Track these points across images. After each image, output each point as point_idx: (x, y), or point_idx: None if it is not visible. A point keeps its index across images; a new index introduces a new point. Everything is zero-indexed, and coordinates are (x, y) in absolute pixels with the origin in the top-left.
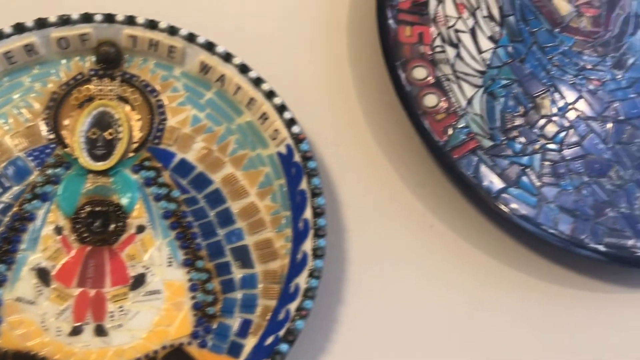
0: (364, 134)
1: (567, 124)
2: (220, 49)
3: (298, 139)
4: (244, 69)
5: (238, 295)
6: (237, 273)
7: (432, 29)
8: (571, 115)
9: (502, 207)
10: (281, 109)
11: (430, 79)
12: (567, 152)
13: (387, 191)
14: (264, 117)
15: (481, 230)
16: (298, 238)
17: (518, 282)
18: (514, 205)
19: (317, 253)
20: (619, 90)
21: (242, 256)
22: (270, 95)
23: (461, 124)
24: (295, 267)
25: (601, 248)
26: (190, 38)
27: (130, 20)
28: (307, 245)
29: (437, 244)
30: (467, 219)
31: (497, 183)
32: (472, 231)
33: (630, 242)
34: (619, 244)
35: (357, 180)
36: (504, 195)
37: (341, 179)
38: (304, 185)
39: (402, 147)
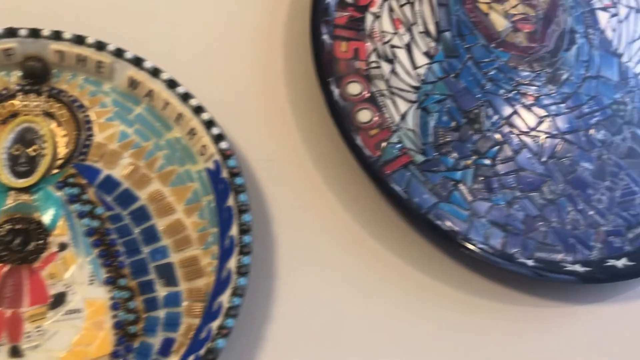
0: (298, 149)
1: (500, 139)
2: (148, 64)
3: (226, 154)
4: (172, 84)
5: (161, 313)
6: (161, 291)
7: (368, 45)
8: (505, 130)
9: (433, 222)
10: (209, 124)
11: (365, 95)
12: (500, 167)
13: (319, 207)
14: (192, 132)
15: (413, 245)
16: (224, 255)
17: (449, 297)
18: (444, 220)
19: (241, 271)
20: (553, 105)
21: (167, 274)
22: (198, 110)
23: (394, 140)
24: (220, 284)
25: (530, 263)
26: (118, 53)
27: (57, 35)
28: (232, 263)
29: (369, 260)
30: (399, 234)
31: (428, 198)
32: (404, 246)
33: (559, 257)
34: (548, 259)
35: (289, 195)
36: (435, 210)
37: (273, 195)
38: (231, 201)
39: (336, 162)
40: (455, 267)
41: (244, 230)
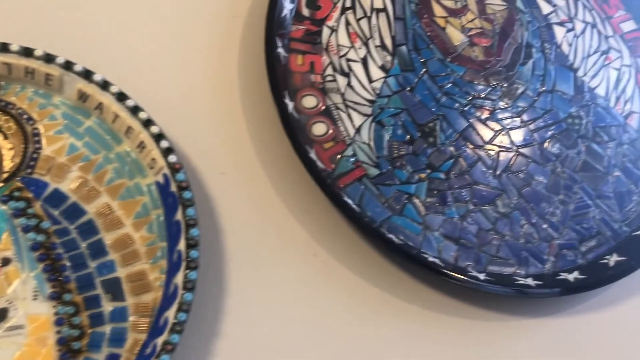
0: (252, 162)
1: (455, 152)
2: (97, 77)
3: (174, 168)
4: (121, 97)
5: (107, 329)
6: (107, 306)
7: (324, 58)
8: (459, 143)
9: (385, 235)
10: (158, 137)
11: (320, 108)
12: (454, 181)
13: (272, 220)
14: (141, 145)
15: (366, 258)
16: (172, 270)
17: (402, 310)
18: (397, 234)
19: (188, 286)
20: (508, 119)
21: (114, 289)
22: (147, 123)
23: (349, 153)
24: (167, 299)
25: (482, 276)
26: (67, 66)
27: (4, 47)
28: (179, 278)
29: (320, 273)
30: (352, 247)
31: (381, 211)
32: (357, 259)
33: (511, 270)
34: (501, 272)
35: (242, 208)
36: (388, 223)
37: (226, 208)
38: (179, 215)
39: (290, 175)
40: (407, 280)
41: (191, 244)
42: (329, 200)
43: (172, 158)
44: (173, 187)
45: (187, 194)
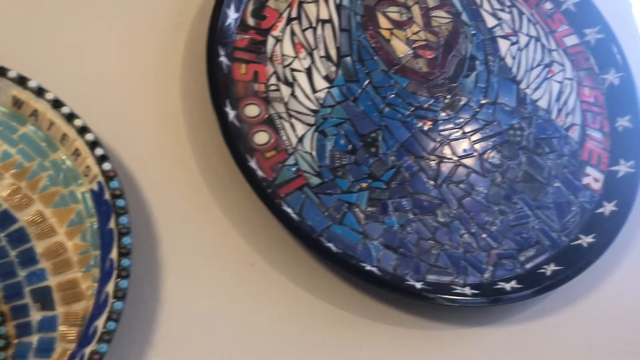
0: (192, 170)
1: (396, 162)
2: (32, 83)
3: (109, 176)
4: (57, 104)
5: (34, 339)
6: (36, 315)
7: (268, 67)
8: (401, 154)
9: (324, 244)
10: (93, 145)
11: (263, 117)
12: (394, 190)
13: (210, 228)
14: (76, 153)
15: (306, 267)
16: (104, 278)
17: (341, 319)
18: (337, 243)
19: (118, 295)
20: (449, 130)
21: (43, 298)
22: (82, 131)
23: (290, 162)
24: (98, 308)
25: (419, 285)
26: (1, 72)
27: None
28: (110, 287)
29: (258, 283)
30: (292, 256)
31: (322, 220)
32: (296, 269)
33: (449, 279)
34: (439, 281)
35: (179, 216)
36: (328, 232)
37: (163, 216)
38: (112, 224)
39: (230, 184)
40: (347, 289)
41: (123, 253)
42: (268, 209)
43: (107, 166)
44: (107, 195)
45: (120, 202)
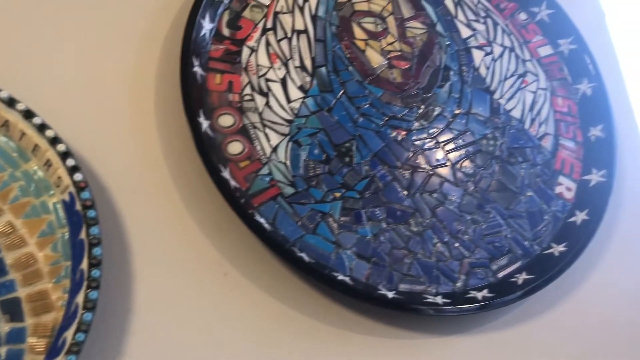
0: (165, 180)
1: (370, 172)
2: (3, 94)
3: (80, 186)
4: (28, 114)
5: (2, 350)
6: (4, 327)
7: (243, 78)
8: (375, 163)
9: (296, 254)
10: (64, 155)
11: (237, 127)
12: (368, 200)
13: (182, 238)
14: (48, 163)
15: (278, 277)
16: (74, 289)
17: (315, 330)
18: (309, 252)
19: (88, 305)
20: (423, 139)
21: (12, 309)
22: (54, 141)
23: (264, 171)
24: (68, 319)
25: (390, 295)
26: None
27: None
28: (80, 298)
29: (231, 292)
30: (265, 266)
31: (295, 230)
32: (269, 278)
33: (421, 288)
34: (411, 290)
35: (152, 227)
36: (301, 242)
37: (136, 226)
38: (83, 234)
39: (203, 194)
40: (320, 299)
41: (94, 264)
42: (240, 220)
43: (78, 176)
44: (78, 206)
45: (91, 213)
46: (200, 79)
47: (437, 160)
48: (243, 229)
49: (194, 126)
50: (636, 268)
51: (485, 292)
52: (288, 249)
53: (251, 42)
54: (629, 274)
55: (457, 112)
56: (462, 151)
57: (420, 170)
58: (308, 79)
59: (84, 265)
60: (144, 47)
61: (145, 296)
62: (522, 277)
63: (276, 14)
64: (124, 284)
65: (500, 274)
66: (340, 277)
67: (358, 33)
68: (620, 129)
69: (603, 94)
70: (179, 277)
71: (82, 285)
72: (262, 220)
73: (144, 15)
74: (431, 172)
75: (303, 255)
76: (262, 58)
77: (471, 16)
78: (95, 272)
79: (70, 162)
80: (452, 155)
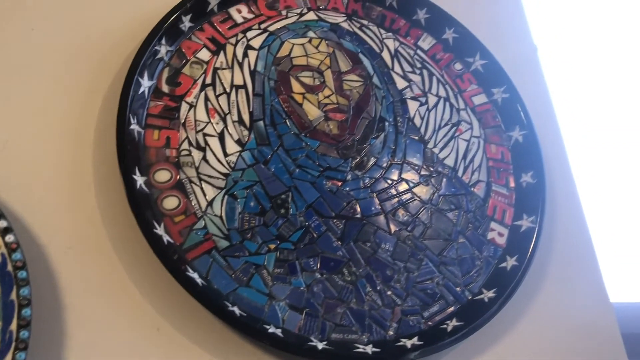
0: (100, 236)
1: (304, 222)
2: None
3: (11, 248)
4: None
5: None
6: None
7: (181, 133)
8: (310, 214)
9: (227, 308)
10: None
11: (173, 182)
12: (302, 250)
13: (116, 294)
14: None
15: (212, 330)
16: (3, 351)
17: None
18: (242, 306)
19: None
20: (357, 190)
21: None
22: None
23: (199, 225)
24: None
25: (321, 346)
26: None
27: None
28: (8, 359)
29: (163, 347)
30: (198, 320)
31: (228, 283)
32: (202, 333)
33: (353, 337)
34: (343, 340)
35: (86, 284)
36: (234, 295)
37: (70, 284)
38: (13, 295)
39: (137, 250)
40: (253, 351)
41: (22, 325)
42: (172, 276)
43: (10, 238)
44: (9, 267)
45: (22, 274)
46: (138, 135)
47: (371, 209)
48: (176, 284)
49: (129, 183)
50: (564, 314)
51: (415, 340)
52: (219, 304)
53: (190, 98)
54: (557, 320)
55: (391, 162)
56: (396, 200)
57: (354, 219)
58: (245, 132)
59: (13, 326)
60: (84, 103)
61: (78, 353)
62: (452, 323)
63: (215, 69)
64: (56, 343)
65: (432, 321)
66: (272, 329)
67: (296, 87)
68: (553, 173)
69: (534, 140)
70: (112, 333)
71: (11, 347)
72: (194, 275)
73: (87, 70)
74: (365, 222)
75: (235, 309)
76: (201, 113)
77: (407, 67)
78: (24, 333)
79: (2, 223)
80: (385, 204)
